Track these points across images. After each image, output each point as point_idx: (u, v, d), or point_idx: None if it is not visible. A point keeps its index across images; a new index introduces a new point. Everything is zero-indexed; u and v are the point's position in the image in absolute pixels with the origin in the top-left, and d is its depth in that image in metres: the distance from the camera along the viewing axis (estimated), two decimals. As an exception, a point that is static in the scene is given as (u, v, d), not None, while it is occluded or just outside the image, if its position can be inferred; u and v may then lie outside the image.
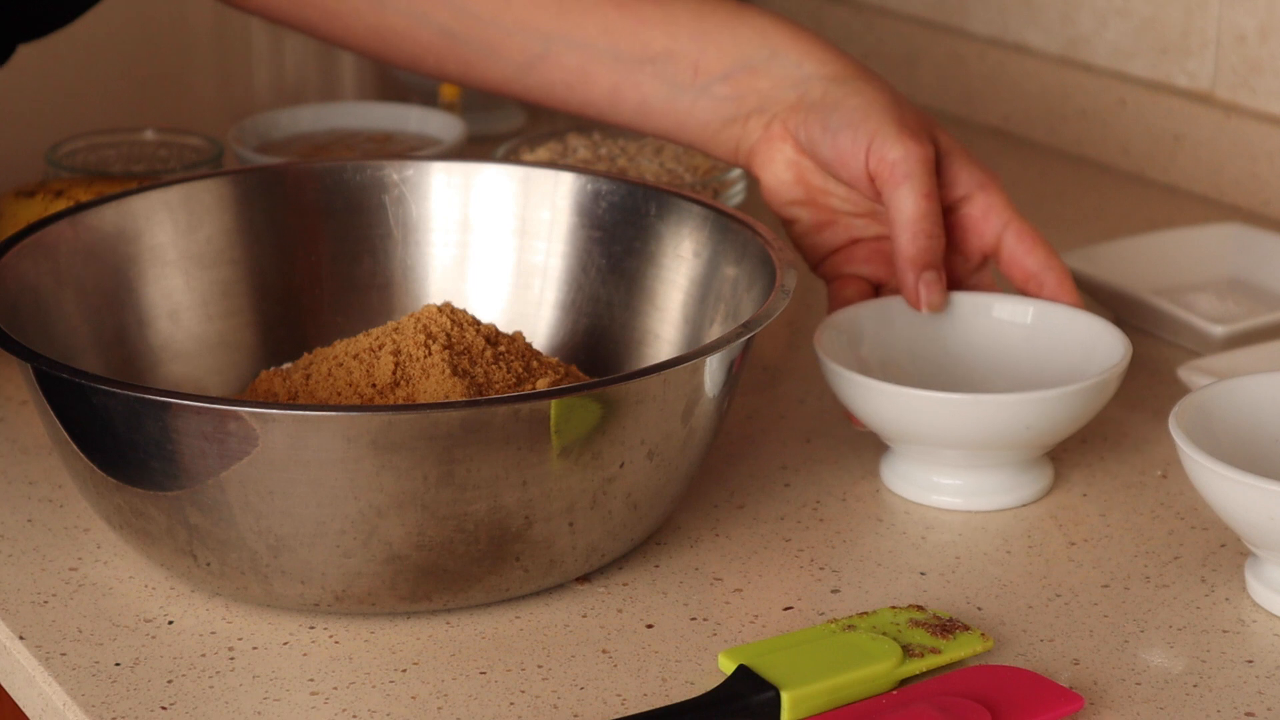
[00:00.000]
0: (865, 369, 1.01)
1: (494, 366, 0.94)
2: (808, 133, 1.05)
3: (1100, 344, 1.01)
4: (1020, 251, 1.05)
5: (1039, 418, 0.96)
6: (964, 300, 1.05)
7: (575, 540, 0.88)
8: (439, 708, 0.83)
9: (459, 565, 0.86)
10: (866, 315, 1.04)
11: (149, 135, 1.39)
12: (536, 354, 0.97)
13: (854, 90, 1.05)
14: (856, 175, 1.04)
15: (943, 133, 1.06)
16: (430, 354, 0.93)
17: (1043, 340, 1.04)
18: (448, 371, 0.92)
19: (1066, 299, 1.05)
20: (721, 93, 1.08)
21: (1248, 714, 0.83)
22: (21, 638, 0.88)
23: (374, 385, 0.93)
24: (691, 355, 0.87)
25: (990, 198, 1.05)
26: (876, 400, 0.97)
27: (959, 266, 1.07)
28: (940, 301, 1.03)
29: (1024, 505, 0.99)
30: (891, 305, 1.05)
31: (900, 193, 1.02)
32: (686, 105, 1.09)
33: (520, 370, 0.95)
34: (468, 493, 0.84)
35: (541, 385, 0.94)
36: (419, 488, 0.83)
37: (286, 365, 1.00)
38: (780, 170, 1.07)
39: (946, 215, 1.06)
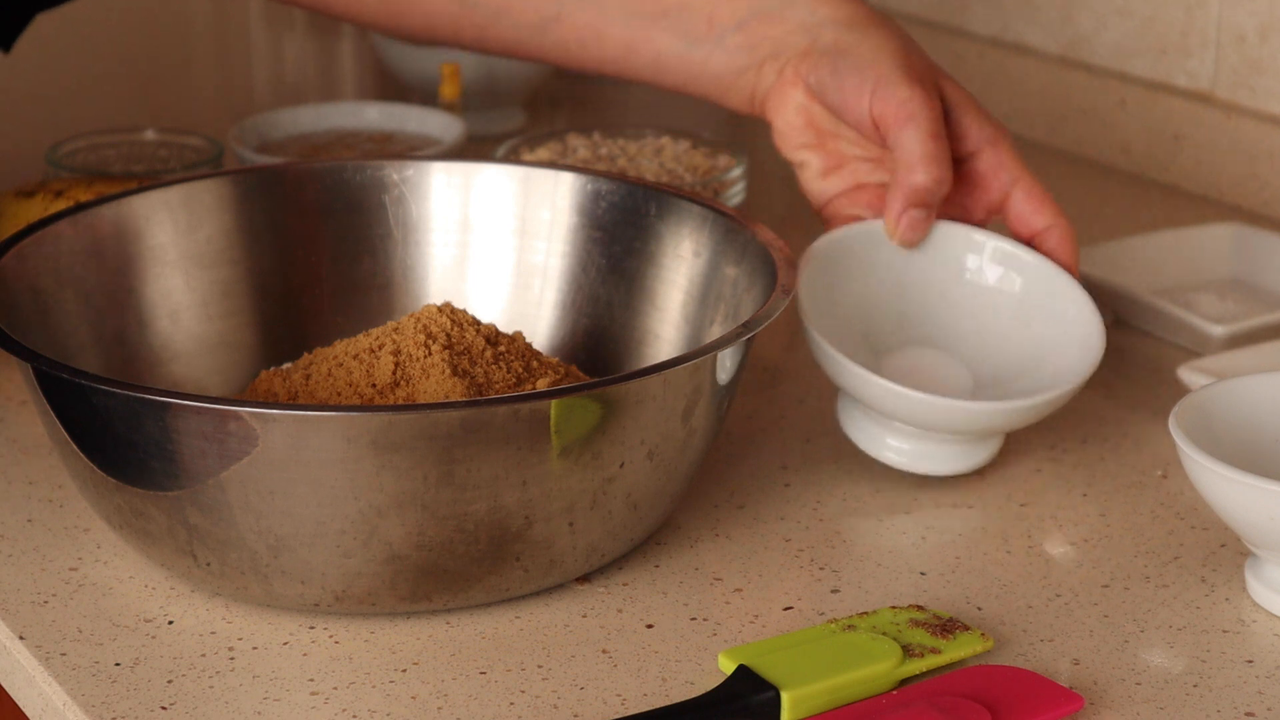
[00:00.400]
0: (843, 302, 1.02)
1: (494, 366, 0.94)
2: (817, 77, 1.05)
3: (1077, 328, 1.02)
4: (1028, 210, 1.05)
5: (997, 423, 0.98)
6: (951, 238, 1.05)
7: (575, 540, 0.88)
8: (439, 708, 0.83)
9: (459, 565, 0.86)
10: (853, 242, 1.04)
11: (149, 135, 1.39)
12: (536, 354, 0.97)
13: (865, 36, 1.05)
14: (861, 119, 1.04)
15: (952, 84, 1.06)
16: (430, 354, 0.93)
17: (1027, 305, 1.04)
18: (448, 371, 0.92)
19: (1064, 258, 1.04)
20: (735, 43, 1.08)
21: (1248, 714, 0.83)
22: (21, 638, 0.88)
23: (374, 385, 0.93)
24: (691, 355, 0.87)
25: (1000, 154, 1.05)
26: (843, 377, 0.98)
27: (963, 221, 1.07)
28: (917, 240, 1.03)
29: (974, 471, 1.01)
30: (877, 231, 1.05)
31: (905, 133, 1.02)
32: (701, 58, 1.09)
33: (520, 370, 0.95)
34: (468, 493, 0.84)
35: (541, 385, 0.94)
36: (419, 488, 0.83)
37: (286, 365, 1.00)
38: (791, 115, 1.07)
39: (954, 169, 1.05)
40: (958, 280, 1.05)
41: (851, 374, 0.97)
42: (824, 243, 1.04)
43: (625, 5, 1.09)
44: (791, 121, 1.08)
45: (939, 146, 1.02)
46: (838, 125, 1.07)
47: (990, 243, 1.05)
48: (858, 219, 1.07)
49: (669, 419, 0.88)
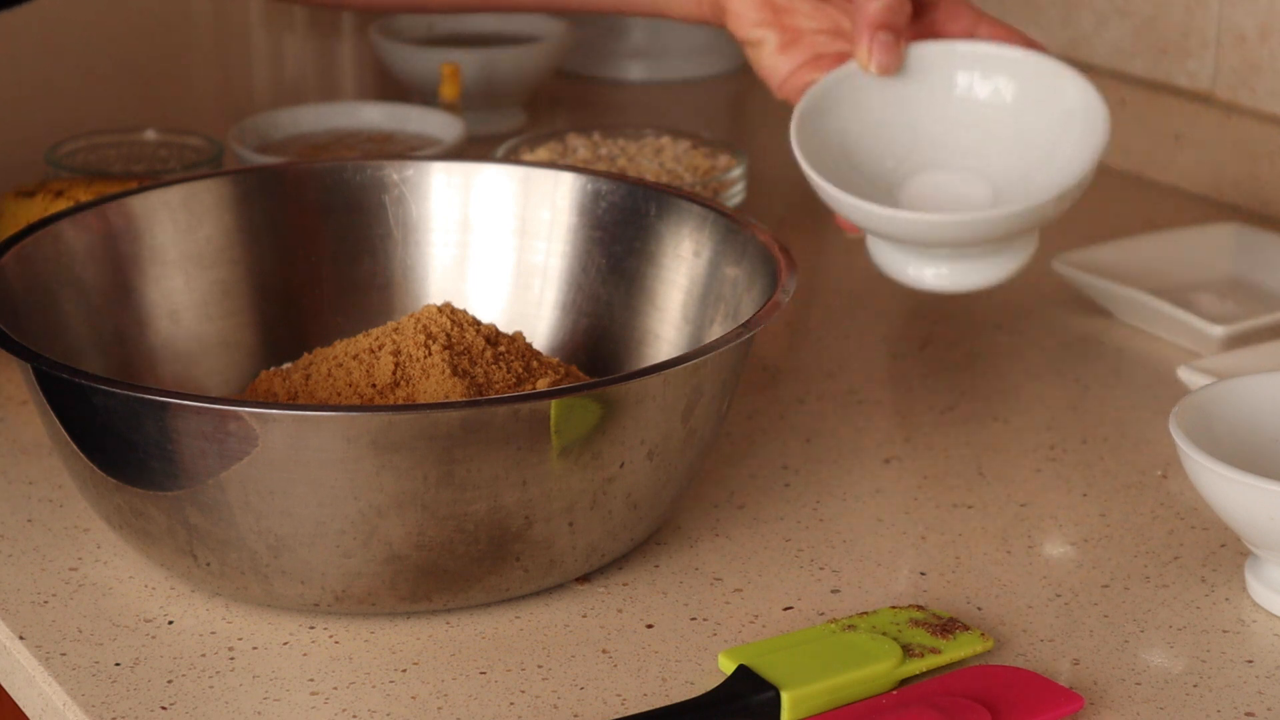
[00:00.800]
0: (840, 153, 1.02)
1: (494, 367, 0.94)
2: None
3: (1079, 109, 1.01)
4: (1000, 40, 1.05)
5: (1027, 223, 0.98)
6: (932, 57, 1.05)
7: (575, 540, 0.88)
8: (439, 708, 0.83)
9: (459, 565, 0.86)
10: (835, 88, 1.04)
11: (149, 135, 1.39)
12: (537, 354, 0.97)
13: None
14: None
15: None
16: (430, 354, 0.93)
17: (1024, 100, 1.04)
18: (448, 372, 0.92)
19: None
20: None
21: (1248, 714, 0.83)
22: (21, 638, 0.88)
23: (374, 385, 0.93)
24: (692, 355, 0.87)
25: (958, 4, 1.06)
26: (870, 222, 0.98)
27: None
28: (892, 62, 1.02)
29: (1019, 270, 1.02)
30: (856, 76, 1.04)
31: None
32: None
33: (520, 370, 0.95)
34: (468, 493, 0.84)
35: (542, 385, 0.94)
36: (419, 488, 0.83)
37: (286, 365, 1.00)
38: None
39: (912, 24, 1.06)
40: (950, 97, 1.05)
41: (877, 216, 0.97)
42: (808, 100, 1.03)
43: None
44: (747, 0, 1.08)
45: None
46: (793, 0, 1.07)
47: (972, 49, 1.04)
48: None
49: (669, 419, 0.88)
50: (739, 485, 1.01)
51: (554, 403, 0.84)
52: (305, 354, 0.98)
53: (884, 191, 1.03)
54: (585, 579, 0.92)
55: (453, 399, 0.91)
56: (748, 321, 0.90)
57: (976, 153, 1.04)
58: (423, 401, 0.92)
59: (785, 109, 1.69)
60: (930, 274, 1.01)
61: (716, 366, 0.90)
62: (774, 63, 1.08)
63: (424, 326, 0.94)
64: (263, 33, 1.92)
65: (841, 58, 1.07)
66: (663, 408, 0.88)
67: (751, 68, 1.09)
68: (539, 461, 0.85)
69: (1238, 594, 0.92)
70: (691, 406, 0.89)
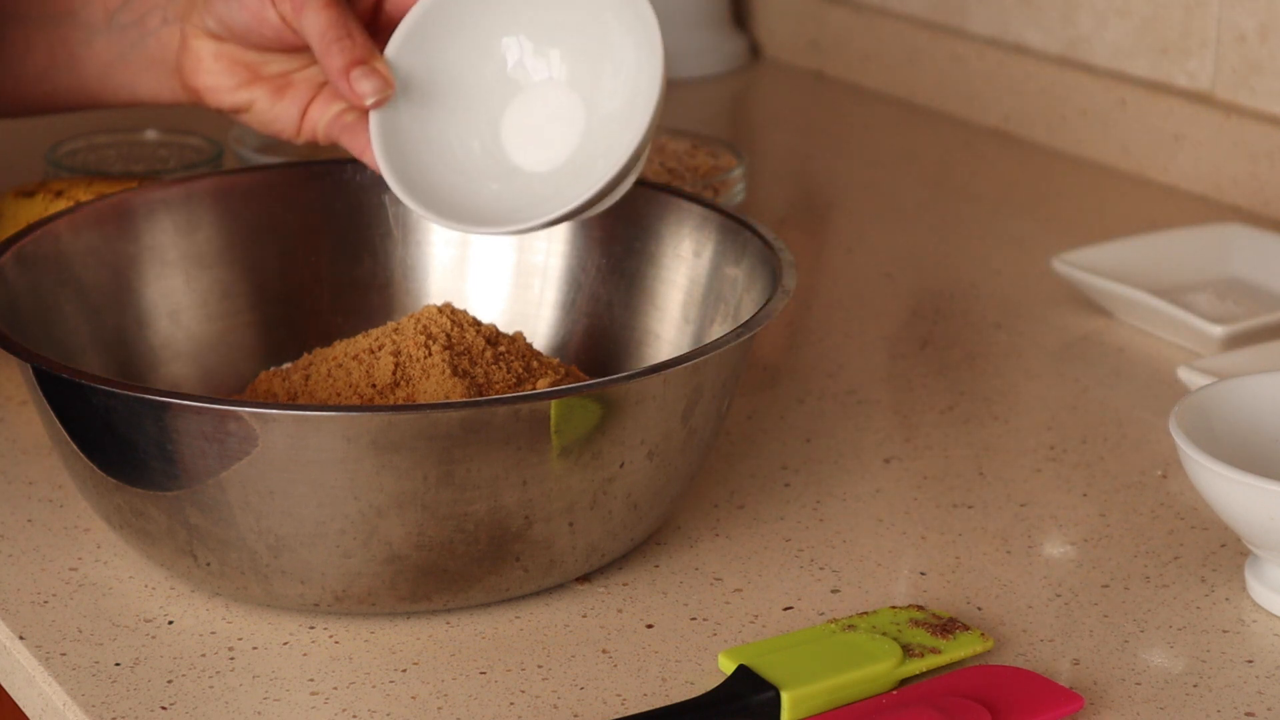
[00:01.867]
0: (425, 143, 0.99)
1: (494, 367, 0.94)
2: (215, 16, 1.03)
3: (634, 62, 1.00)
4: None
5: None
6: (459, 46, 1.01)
7: (575, 540, 0.88)
8: (439, 708, 0.83)
9: (459, 565, 0.86)
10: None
11: (149, 135, 1.38)
12: (537, 354, 0.97)
13: None
14: (274, 28, 1.01)
15: None
16: (430, 354, 0.93)
17: (581, 66, 1.00)
18: (448, 372, 0.92)
19: None
20: (126, 20, 1.07)
21: (1248, 714, 0.83)
22: (21, 638, 0.88)
23: (374, 386, 0.93)
24: (692, 355, 0.87)
25: None
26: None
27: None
28: (379, 88, 0.98)
29: None
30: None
31: (306, 16, 0.99)
32: (103, 49, 1.07)
33: (520, 370, 0.95)
34: (468, 493, 0.84)
35: (542, 385, 0.94)
36: (419, 488, 0.83)
37: (286, 365, 1.00)
38: (211, 65, 1.05)
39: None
40: (504, 79, 1.01)
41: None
42: (376, 134, 0.98)
43: (42, 10, 1.07)
44: (215, 70, 1.05)
45: (335, 12, 0.98)
46: (262, 54, 1.04)
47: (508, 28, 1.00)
48: (346, 114, 1.03)
49: (669, 419, 0.88)
50: (739, 485, 1.01)
51: (554, 403, 0.84)
52: (305, 354, 0.98)
53: (490, 139, 0.99)
54: (585, 579, 0.92)
55: (453, 399, 0.91)
56: (748, 321, 0.90)
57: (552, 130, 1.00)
58: (423, 402, 0.92)
59: (785, 109, 1.69)
60: None
61: (717, 366, 0.90)
62: (276, 115, 1.05)
63: (424, 327, 0.94)
64: (263, 33, 1.92)
65: None
66: (663, 408, 0.88)
67: (258, 129, 1.05)
68: (539, 461, 0.85)
69: (1238, 594, 0.92)
70: (691, 406, 0.89)
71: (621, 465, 0.87)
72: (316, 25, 0.98)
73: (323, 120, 1.04)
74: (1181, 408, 0.91)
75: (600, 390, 0.85)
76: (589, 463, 0.86)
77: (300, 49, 1.03)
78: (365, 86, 0.98)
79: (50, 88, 1.10)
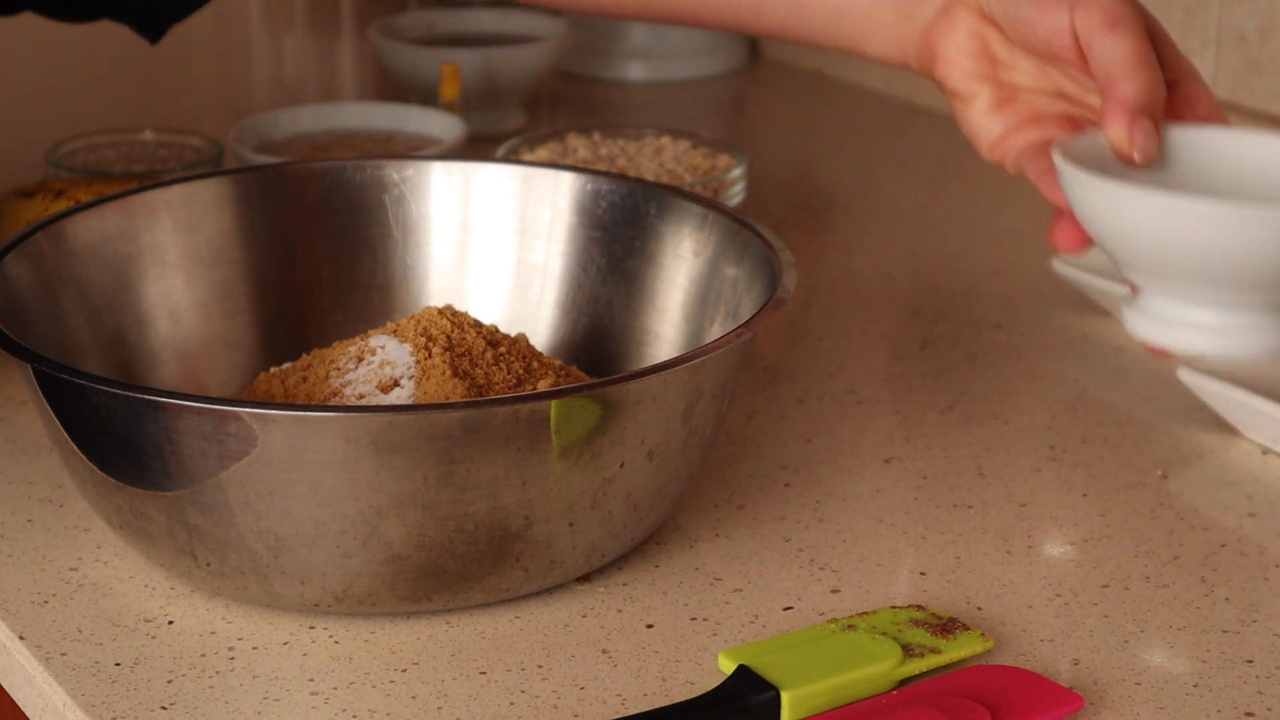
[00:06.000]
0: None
1: (494, 368, 0.94)
2: None
3: None
4: None
5: None
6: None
7: (575, 540, 0.88)
8: (439, 708, 0.83)
9: (459, 565, 0.86)
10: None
11: (149, 135, 1.39)
12: (538, 355, 0.97)
13: None
14: (1056, 30, 0.93)
15: (1147, 10, 0.96)
16: (430, 356, 0.93)
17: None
18: (448, 373, 0.92)
19: None
20: None
21: (1248, 714, 0.83)
22: (21, 638, 0.88)
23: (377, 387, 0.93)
24: (692, 355, 0.87)
25: (1198, 88, 0.95)
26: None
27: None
28: (1156, 152, 0.90)
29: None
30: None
31: (1115, 35, 0.91)
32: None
33: (521, 371, 0.95)
34: (468, 493, 0.84)
35: (542, 386, 0.94)
36: (419, 488, 0.83)
37: (286, 365, 1.00)
38: (962, 40, 0.97)
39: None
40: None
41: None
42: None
43: None
44: (963, 47, 0.97)
45: (1151, 52, 0.91)
46: (1013, 53, 0.97)
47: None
48: (1041, 151, 0.95)
49: (669, 419, 0.88)
50: (739, 485, 1.01)
51: (554, 403, 0.84)
52: (304, 354, 0.98)
53: None
54: (585, 579, 0.92)
55: (453, 400, 0.91)
56: (748, 322, 0.90)
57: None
58: (423, 403, 0.92)
59: (785, 109, 1.69)
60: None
61: (717, 366, 0.90)
62: (986, 122, 0.98)
63: (424, 328, 0.94)
64: (263, 33, 1.92)
65: (1067, 121, 0.96)
66: (663, 408, 0.88)
67: (959, 123, 0.98)
68: (539, 462, 0.85)
69: (1238, 594, 0.92)
70: (691, 406, 0.89)
71: (621, 465, 0.87)
72: (1127, 50, 0.90)
73: (1015, 147, 0.97)
74: (1066, 142, 0.86)
75: (600, 391, 0.85)
76: (589, 463, 0.86)
77: (1058, 63, 0.96)
78: (1141, 139, 0.89)
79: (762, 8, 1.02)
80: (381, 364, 0.93)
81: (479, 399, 0.87)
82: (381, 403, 0.92)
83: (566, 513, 0.87)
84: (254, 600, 0.89)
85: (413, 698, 0.84)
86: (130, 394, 0.84)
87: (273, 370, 0.99)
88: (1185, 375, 1.08)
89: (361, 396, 0.93)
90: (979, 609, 0.90)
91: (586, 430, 0.85)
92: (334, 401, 0.93)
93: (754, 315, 0.91)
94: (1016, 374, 1.15)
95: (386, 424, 0.82)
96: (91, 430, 0.87)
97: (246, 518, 0.85)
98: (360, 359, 0.94)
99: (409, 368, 0.93)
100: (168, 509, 0.86)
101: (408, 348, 0.93)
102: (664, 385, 0.87)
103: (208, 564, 0.87)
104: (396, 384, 0.92)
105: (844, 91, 1.68)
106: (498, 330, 0.97)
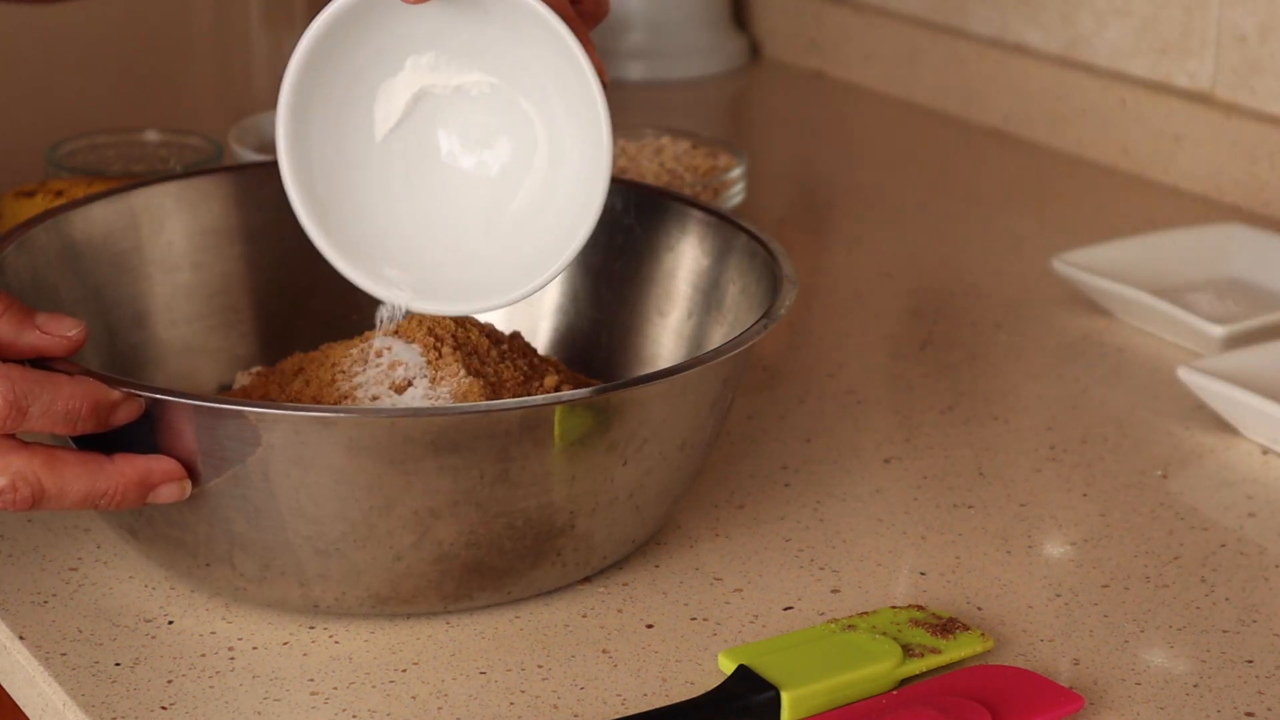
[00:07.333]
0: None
1: (502, 365, 0.94)
2: None
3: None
4: None
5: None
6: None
7: (612, 533, 0.88)
8: (439, 708, 0.83)
9: (505, 562, 0.86)
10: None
11: (149, 135, 1.38)
12: (534, 352, 0.97)
13: None
14: None
15: None
16: (441, 355, 0.93)
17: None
18: (463, 371, 0.92)
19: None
20: None
21: (1248, 714, 0.83)
22: (21, 638, 0.88)
23: (392, 387, 0.93)
24: (703, 357, 0.87)
25: None
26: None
27: None
28: None
29: None
30: None
31: None
32: None
33: (525, 368, 0.95)
34: (520, 490, 0.84)
35: (548, 383, 0.94)
36: (475, 486, 0.83)
37: (257, 369, 1.00)
38: None
39: None
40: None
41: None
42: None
43: None
44: None
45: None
46: None
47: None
48: None
49: (699, 410, 0.88)
50: (739, 485, 1.01)
51: (609, 398, 0.84)
52: (299, 355, 0.98)
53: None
54: (585, 579, 0.92)
55: (472, 398, 0.91)
56: (768, 310, 0.90)
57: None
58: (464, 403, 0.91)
59: (785, 109, 1.69)
60: None
61: (737, 360, 0.90)
62: None
63: (429, 328, 0.94)
64: (263, 33, 1.92)
65: None
66: (698, 398, 0.88)
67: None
68: (588, 457, 0.85)
69: (1238, 594, 0.92)
70: (702, 407, 0.89)
71: (624, 464, 0.87)
72: None
73: None
74: None
75: (649, 385, 0.85)
76: (632, 456, 0.86)
77: None
78: None
79: None
80: (391, 365, 0.93)
81: (534, 397, 0.86)
82: (396, 404, 0.91)
83: (608, 507, 0.87)
84: (254, 600, 0.89)
85: (413, 698, 0.84)
86: (129, 394, 0.84)
87: (254, 370, 0.99)
88: (1185, 375, 1.08)
89: (375, 398, 0.92)
90: (979, 609, 0.90)
91: (633, 425, 0.85)
92: (346, 404, 0.93)
93: (770, 307, 0.91)
94: (1016, 374, 1.15)
95: (453, 424, 0.82)
96: (113, 432, 0.86)
97: (246, 518, 0.84)
98: (365, 361, 0.94)
99: (421, 368, 0.92)
100: (167, 509, 0.86)
101: (416, 348, 0.93)
102: (702, 377, 0.87)
103: (208, 564, 0.87)
104: (410, 384, 0.92)
105: (844, 91, 1.68)
106: (494, 328, 0.97)
